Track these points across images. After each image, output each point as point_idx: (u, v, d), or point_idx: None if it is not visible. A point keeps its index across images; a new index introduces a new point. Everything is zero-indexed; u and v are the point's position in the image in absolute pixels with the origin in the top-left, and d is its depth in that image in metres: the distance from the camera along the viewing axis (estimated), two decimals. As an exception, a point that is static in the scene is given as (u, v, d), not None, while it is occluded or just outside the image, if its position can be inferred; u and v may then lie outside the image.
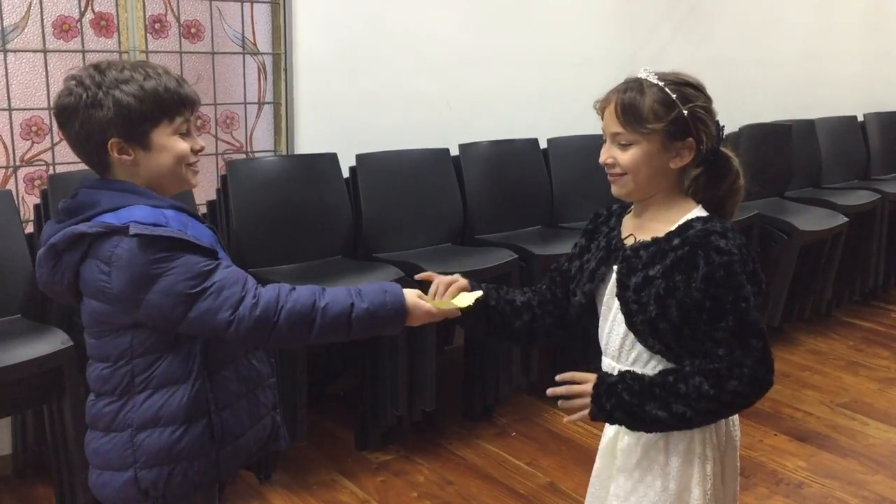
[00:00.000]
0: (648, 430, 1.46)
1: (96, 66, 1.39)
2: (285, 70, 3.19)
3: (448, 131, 3.46)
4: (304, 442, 2.74)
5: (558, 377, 1.51)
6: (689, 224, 1.46)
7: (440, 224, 3.31)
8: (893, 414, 3.29)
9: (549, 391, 1.51)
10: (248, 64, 3.18)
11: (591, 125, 3.89)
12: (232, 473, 1.55)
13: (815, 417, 3.26)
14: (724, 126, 1.50)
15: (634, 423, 1.45)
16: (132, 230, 1.32)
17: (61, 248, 1.37)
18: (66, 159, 2.87)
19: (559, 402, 1.51)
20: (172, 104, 1.40)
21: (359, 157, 3.16)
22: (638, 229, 1.53)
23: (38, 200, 2.64)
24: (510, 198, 3.48)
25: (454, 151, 3.39)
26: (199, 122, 3.05)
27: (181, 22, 3.02)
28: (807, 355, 3.88)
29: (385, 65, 3.39)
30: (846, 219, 3.92)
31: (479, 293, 1.58)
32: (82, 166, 2.99)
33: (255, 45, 3.18)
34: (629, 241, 1.53)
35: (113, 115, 1.36)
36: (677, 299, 1.41)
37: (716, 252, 1.40)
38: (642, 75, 1.49)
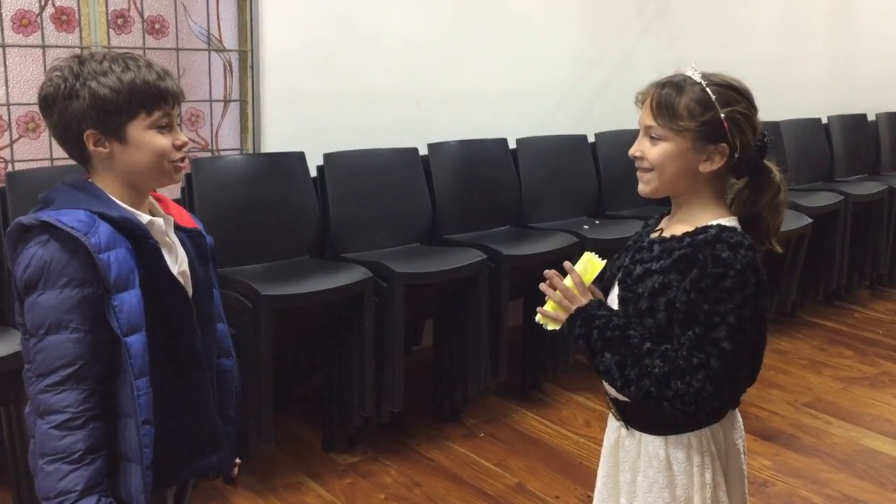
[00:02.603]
0: (595, 370, 1.50)
1: (78, 57, 1.38)
2: (252, 67, 3.15)
3: (416, 131, 3.44)
4: (269, 444, 2.70)
5: (555, 281, 1.54)
6: (706, 228, 1.44)
7: (409, 224, 3.29)
8: (856, 413, 3.33)
9: (542, 287, 1.54)
10: (214, 61, 3.14)
11: (560, 125, 3.97)
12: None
13: (779, 416, 3.30)
14: (769, 138, 1.48)
15: (590, 357, 1.49)
16: (43, 218, 1.30)
17: (13, 238, 1.36)
18: (25, 156, 2.81)
19: (539, 308, 1.55)
20: (150, 97, 1.37)
21: (326, 157, 3.13)
22: (667, 227, 1.53)
23: (-5, 198, 2.58)
24: (479, 198, 3.47)
25: (423, 151, 3.37)
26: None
27: (144, 17, 2.97)
28: (771, 355, 3.92)
29: (353, 63, 3.36)
30: (810, 220, 3.96)
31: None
32: (42, 164, 2.94)
33: (220, 41, 3.14)
34: (654, 235, 1.53)
35: (88, 107, 1.34)
36: (668, 297, 1.41)
37: (713, 261, 1.38)
38: (688, 72, 1.47)
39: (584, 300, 1.50)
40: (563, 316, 1.51)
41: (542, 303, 1.56)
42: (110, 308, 1.32)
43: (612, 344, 1.44)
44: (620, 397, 1.54)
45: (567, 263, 1.56)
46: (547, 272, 1.56)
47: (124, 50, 1.44)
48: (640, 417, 1.53)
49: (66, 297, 1.31)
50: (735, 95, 1.45)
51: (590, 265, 1.56)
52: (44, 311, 1.31)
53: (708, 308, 1.37)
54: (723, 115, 1.42)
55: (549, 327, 1.54)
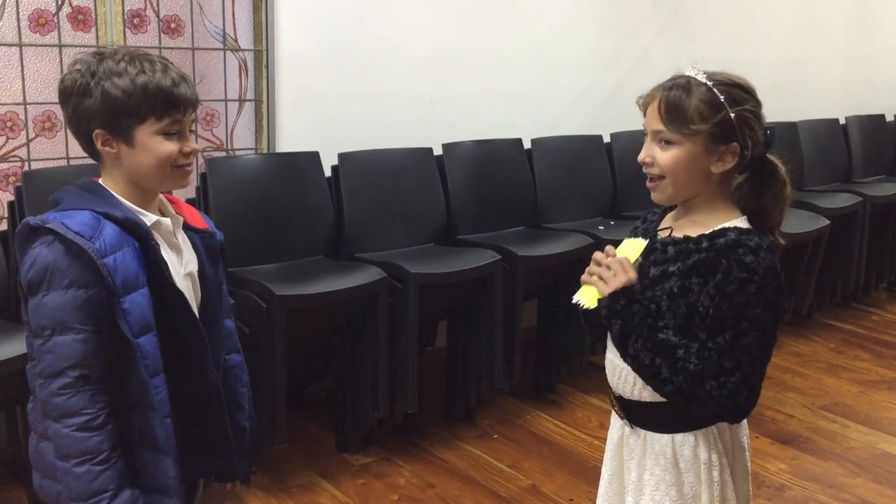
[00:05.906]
0: (624, 357, 1.45)
1: (98, 53, 1.39)
2: (267, 67, 3.15)
3: (431, 131, 3.43)
4: (283, 444, 2.70)
5: (608, 248, 1.49)
6: (724, 231, 1.42)
7: (423, 224, 3.28)
8: (874, 416, 3.30)
9: (596, 255, 1.49)
10: (229, 60, 3.15)
11: (575, 125, 3.95)
12: None
13: (796, 420, 3.27)
14: (773, 131, 1.46)
15: (620, 342, 1.44)
16: (48, 224, 1.31)
17: (21, 238, 1.36)
18: (42, 155, 2.82)
19: (584, 275, 1.48)
20: (161, 103, 1.36)
21: (341, 156, 3.13)
22: (676, 226, 1.51)
23: (12, 197, 2.59)
24: (493, 198, 3.46)
25: (437, 151, 3.37)
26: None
27: (161, 17, 2.97)
28: (788, 357, 3.89)
29: (368, 63, 3.36)
30: (828, 221, 3.92)
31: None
32: (58, 163, 2.95)
33: (236, 41, 3.14)
34: (663, 234, 1.51)
35: (98, 107, 1.35)
36: (688, 300, 1.40)
37: (738, 266, 1.37)
38: (691, 73, 1.44)
39: (633, 274, 1.45)
40: (608, 290, 1.44)
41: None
42: (119, 311, 1.32)
43: (647, 332, 1.41)
44: (626, 395, 1.52)
45: (610, 247, 1.52)
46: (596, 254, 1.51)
47: (144, 50, 1.43)
48: (644, 415, 1.52)
49: (70, 297, 1.31)
50: (742, 94, 1.43)
51: (633, 247, 1.51)
52: (48, 312, 1.31)
53: (736, 314, 1.36)
54: (733, 115, 1.41)
55: (585, 304, 1.48)
